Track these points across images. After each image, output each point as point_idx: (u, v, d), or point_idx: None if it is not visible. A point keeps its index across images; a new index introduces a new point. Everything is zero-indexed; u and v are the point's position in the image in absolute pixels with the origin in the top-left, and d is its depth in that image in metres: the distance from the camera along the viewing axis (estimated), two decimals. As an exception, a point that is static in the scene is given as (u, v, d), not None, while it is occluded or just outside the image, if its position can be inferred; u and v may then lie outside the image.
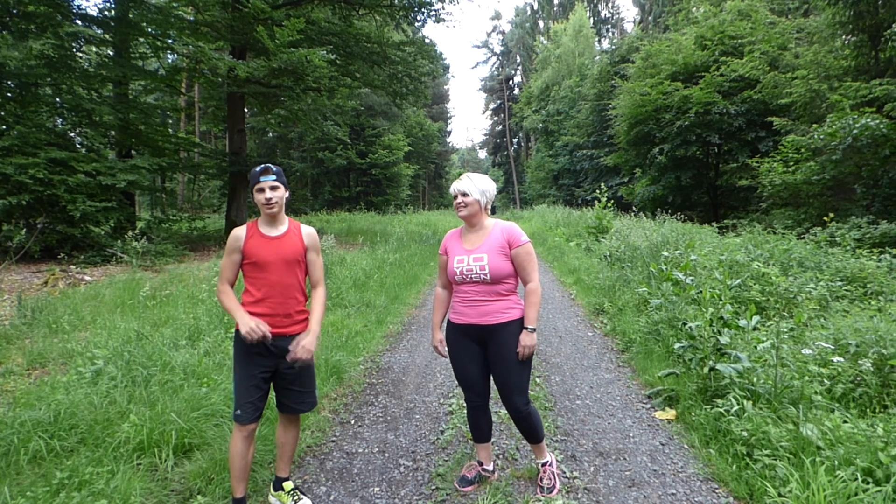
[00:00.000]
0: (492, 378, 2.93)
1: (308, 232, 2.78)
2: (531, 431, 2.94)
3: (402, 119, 38.34)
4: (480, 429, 3.02)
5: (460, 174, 2.87)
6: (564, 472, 3.17)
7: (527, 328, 2.76)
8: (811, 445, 2.81)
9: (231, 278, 2.68)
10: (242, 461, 2.63)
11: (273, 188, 2.61)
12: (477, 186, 2.78)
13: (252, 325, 2.48)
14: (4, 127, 10.29)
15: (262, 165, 2.63)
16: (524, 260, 2.77)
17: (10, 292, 6.92)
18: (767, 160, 13.01)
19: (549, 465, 3.03)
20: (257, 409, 2.64)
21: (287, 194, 2.71)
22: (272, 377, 2.71)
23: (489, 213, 2.90)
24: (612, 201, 17.63)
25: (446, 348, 2.99)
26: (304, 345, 2.63)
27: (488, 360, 2.87)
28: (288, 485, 2.86)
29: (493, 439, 3.47)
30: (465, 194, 2.77)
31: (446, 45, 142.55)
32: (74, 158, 10.07)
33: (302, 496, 2.85)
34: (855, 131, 9.44)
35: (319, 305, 2.80)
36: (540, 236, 17.59)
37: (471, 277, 2.75)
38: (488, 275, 2.71)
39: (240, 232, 2.66)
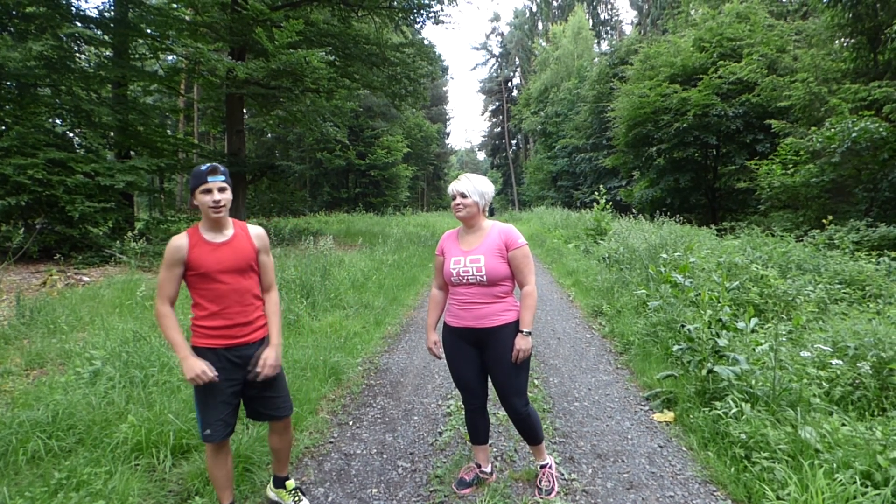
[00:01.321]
0: (489, 380, 2.93)
1: (257, 233, 2.57)
2: (530, 433, 2.94)
3: (401, 120, 38.36)
4: (478, 431, 3.02)
5: (459, 176, 2.85)
6: (563, 474, 3.17)
7: (522, 331, 2.74)
8: (810, 448, 2.81)
9: (173, 295, 2.42)
10: (223, 471, 2.57)
11: (221, 189, 2.37)
12: (476, 188, 2.76)
13: (198, 372, 2.31)
14: (3, 127, 10.27)
15: (209, 164, 2.38)
16: (521, 262, 2.75)
17: (8, 292, 6.91)
18: (766, 162, 13.02)
19: (549, 468, 3.03)
20: (228, 425, 2.50)
21: (231, 198, 2.45)
22: (242, 389, 2.56)
23: (487, 214, 2.89)
24: (611, 203, 17.65)
25: (441, 350, 2.98)
26: (269, 362, 2.50)
27: (485, 363, 2.86)
28: (290, 484, 2.84)
29: (491, 441, 3.47)
30: (463, 195, 2.75)
31: (445, 47, 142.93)
32: (73, 159, 10.06)
33: (303, 497, 2.85)
34: (854, 135, 9.46)
35: (275, 314, 2.63)
36: (538, 238, 17.59)
37: (467, 279, 2.74)
38: (485, 276, 2.70)
39: (180, 241, 2.38)
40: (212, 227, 2.45)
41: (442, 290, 3.02)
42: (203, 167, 2.37)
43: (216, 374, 2.37)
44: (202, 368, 2.33)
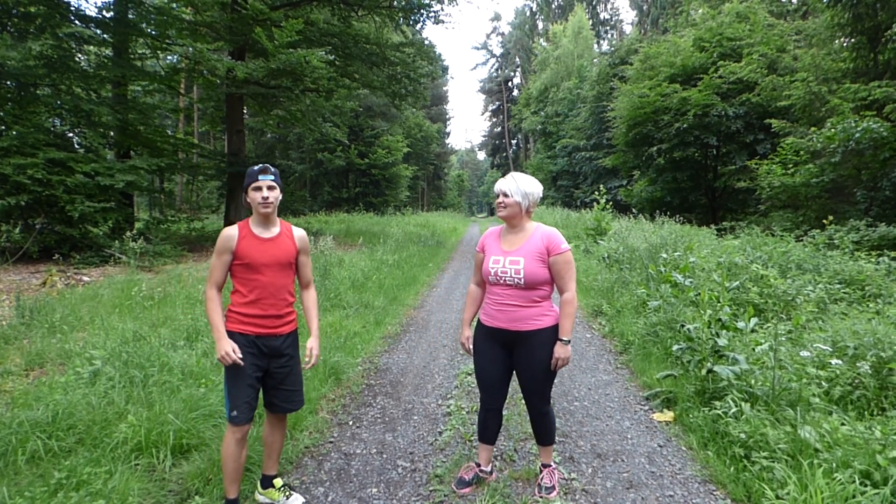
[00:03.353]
0: (512, 379, 2.92)
1: (300, 235, 2.79)
2: (546, 432, 2.96)
3: (401, 120, 38.33)
4: (488, 430, 3.02)
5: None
6: (563, 474, 3.17)
7: (562, 340, 2.71)
8: (809, 448, 2.82)
9: (220, 281, 2.65)
10: (236, 463, 2.63)
11: (270, 188, 2.60)
12: (520, 188, 2.71)
13: (222, 353, 2.51)
14: (3, 127, 10.28)
15: (261, 164, 2.62)
16: (562, 268, 2.71)
17: (8, 292, 6.91)
18: (766, 162, 13.01)
19: (552, 469, 3.04)
20: (252, 408, 2.63)
21: (280, 196, 2.68)
22: (263, 377, 2.72)
23: (531, 216, 2.84)
24: (611, 203, 17.63)
25: (472, 346, 2.97)
26: (316, 352, 2.81)
27: (514, 365, 2.85)
28: (278, 481, 2.87)
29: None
30: (505, 194, 2.72)
31: (445, 47, 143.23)
32: (73, 159, 10.06)
33: (293, 492, 2.86)
34: (857, 135, 9.44)
35: (314, 307, 2.91)
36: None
37: (504, 280, 2.71)
38: (522, 279, 2.66)
39: (232, 232, 2.62)
40: (261, 223, 2.68)
41: (480, 286, 3.01)
42: (255, 167, 2.61)
43: (241, 356, 2.54)
44: (226, 350, 2.51)
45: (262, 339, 2.63)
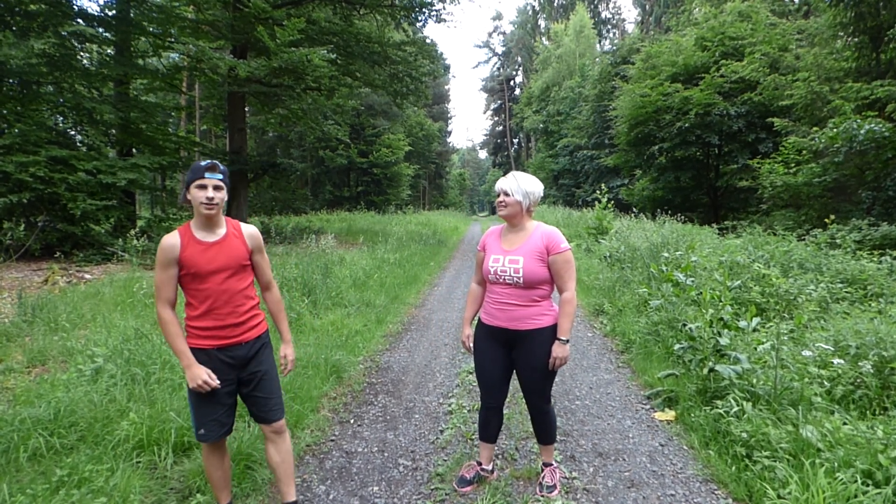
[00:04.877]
0: (513, 378, 2.93)
1: (250, 232, 2.50)
2: (546, 431, 2.97)
3: (403, 119, 38.24)
4: (489, 429, 3.02)
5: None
6: (564, 473, 3.17)
7: (560, 339, 2.70)
8: (811, 447, 2.81)
9: (171, 297, 2.35)
10: (220, 471, 2.54)
11: (217, 188, 2.31)
12: (521, 187, 2.71)
13: (199, 382, 2.28)
14: (6, 125, 10.29)
15: (209, 161, 2.31)
16: (561, 268, 2.70)
17: (10, 290, 6.92)
18: (768, 161, 13.00)
19: (553, 468, 3.05)
20: (223, 425, 2.45)
21: (226, 198, 2.40)
22: (238, 388, 2.51)
23: (532, 215, 2.83)
24: (612, 202, 17.63)
25: (472, 345, 2.97)
26: (290, 358, 2.64)
27: (514, 364, 2.85)
28: None
29: (492, 439, 3.47)
30: (506, 193, 2.72)
31: (447, 45, 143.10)
32: (75, 157, 10.07)
33: None
34: (860, 137, 9.41)
35: (281, 311, 2.66)
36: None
37: (504, 279, 2.71)
38: (521, 279, 2.66)
39: (172, 240, 2.31)
40: (203, 226, 2.38)
41: (481, 285, 3.00)
42: (202, 162, 2.31)
43: (218, 382, 2.35)
44: (203, 378, 2.29)
45: (224, 351, 2.40)
